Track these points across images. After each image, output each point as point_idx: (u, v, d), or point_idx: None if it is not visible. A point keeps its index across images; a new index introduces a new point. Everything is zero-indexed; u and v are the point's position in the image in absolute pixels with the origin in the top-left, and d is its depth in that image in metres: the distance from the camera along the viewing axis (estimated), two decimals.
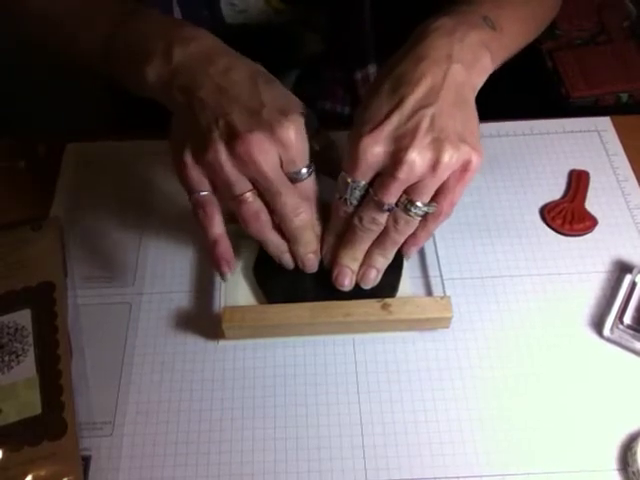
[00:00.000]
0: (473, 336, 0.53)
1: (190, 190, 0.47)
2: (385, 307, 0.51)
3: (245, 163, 0.45)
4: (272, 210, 0.48)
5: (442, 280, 0.55)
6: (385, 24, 0.68)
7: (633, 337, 0.51)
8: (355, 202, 0.48)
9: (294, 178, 0.47)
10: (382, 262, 0.52)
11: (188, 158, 0.46)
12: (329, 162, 0.52)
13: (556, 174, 0.64)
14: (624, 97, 0.95)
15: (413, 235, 0.50)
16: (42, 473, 0.45)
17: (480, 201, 0.62)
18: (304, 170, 0.47)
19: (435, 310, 0.51)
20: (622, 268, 0.57)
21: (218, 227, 0.48)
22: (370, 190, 0.47)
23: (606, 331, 0.53)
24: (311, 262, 0.52)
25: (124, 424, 0.50)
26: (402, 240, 0.50)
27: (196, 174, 0.46)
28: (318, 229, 0.52)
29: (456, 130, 0.45)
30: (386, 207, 0.47)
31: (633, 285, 0.54)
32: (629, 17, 1.03)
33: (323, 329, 0.53)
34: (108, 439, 0.49)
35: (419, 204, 0.46)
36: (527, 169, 0.64)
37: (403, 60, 0.47)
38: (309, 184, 0.48)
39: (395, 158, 0.45)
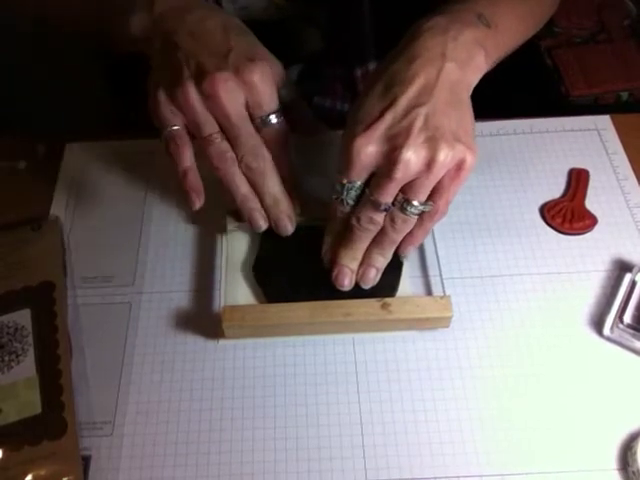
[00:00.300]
0: (473, 335, 0.53)
1: (162, 126, 0.50)
2: (385, 307, 0.51)
3: (211, 101, 0.47)
4: (235, 153, 0.49)
5: (442, 279, 0.55)
6: (385, 21, 0.68)
7: (633, 336, 0.51)
8: (352, 202, 0.48)
9: (261, 124, 0.49)
10: (381, 261, 0.52)
11: (161, 96, 0.49)
12: (302, 121, 0.54)
13: (556, 173, 0.64)
14: (624, 96, 0.95)
15: (410, 234, 0.50)
16: (42, 473, 0.45)
17: (480, 200, 0.62)
18: (272, 116, 0.49)
19: (435, 309, 0.51)
20: (622, 267, 0.57)
21: (188, 160, 0.50)
22: (366, 190, 0.47)
23: (606, 330, 0.53)
24: (283, 224, 0.53)
25: (124, 424, 0.50)
26: (400, 239, 0.50)
27: (168, 111, 0.49)
28: (290, 186, 0.53)
29: (450, 128, 0.45)
30: (383, 207, 0.47)
31: (633, 284, 0.54)
32: (629, 16, 1.03)
33: (323, 329, 0.53)
34: (108, 439, 0.49)
35: (415, 203, 0.46)
36: (527, 168, 0.64)
37: (396, 60, 0.47)
38: (278, 132, 0.50)
39: (390, 158, 0.45)
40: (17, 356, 0.51)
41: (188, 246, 0.59)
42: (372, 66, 0.74)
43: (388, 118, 0.45)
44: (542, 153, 0.65)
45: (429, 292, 0.56)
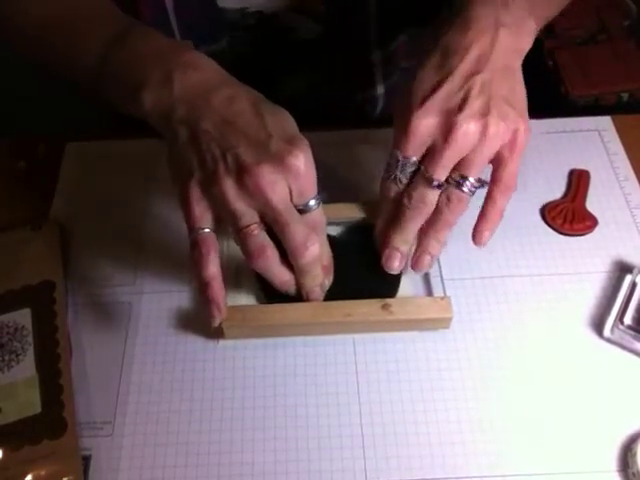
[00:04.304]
0: (473, 336, 0.53)
1: (191, 226, 0.46)
2: (385, 307, 0.51)
3: (254, 196, 0.44)
4: (281, 242, 0.46)
5: (442, 280, 0.55)
6: (389, 3, 0.67)
7: (633, 338, 0.51)
8: (405, 180, 0.47)
9: (302, 210, 0.46)
10: (436, 247, 0.50)
11: (194, 193, 0.45)
12: None
13: (556, 174, 0.64)
14: (625, 96, 0.95)
15: (484, 218, 0.49)
16: (42, 472, 0.45)
17: (481, 201, 0.62)
18: (312, 202, 0.46)
19: (435, 310, 0.51)
20: (622, 268, 0.57)
21: (213, 267, 0.46)
22: (421, 167, 0.47)
23: (606, 331, 0.53)
24: (316, 295, 0.51)
25: (124, 424, 0.50)
26: (454, 221, 0.49)
27: (199, 210, 0.45)
28: (327, 260, 0.50)
29: (505, 98, 0.45)
30: (436, 183, 0.46)
31: (633, 285, 0.54)
32: (629, 16, 1.03)
33: (323, 329, 0.53)
34: (108, 439, 0.49)
35: (471, 179, 0.46)
36: (527, 168, 0.64)
37: (449, 32, 0.47)
38: (317, 215, 0.47)
39: (445, 128, 0.44)
40: (17, 355, 0.51)
41: (188, 246, 0.59)
42: (375, 52, 0.72)
43: (445, 89, 0.45)
44: (543, 154, 0.65)
45: (429, 293, 0.56)
